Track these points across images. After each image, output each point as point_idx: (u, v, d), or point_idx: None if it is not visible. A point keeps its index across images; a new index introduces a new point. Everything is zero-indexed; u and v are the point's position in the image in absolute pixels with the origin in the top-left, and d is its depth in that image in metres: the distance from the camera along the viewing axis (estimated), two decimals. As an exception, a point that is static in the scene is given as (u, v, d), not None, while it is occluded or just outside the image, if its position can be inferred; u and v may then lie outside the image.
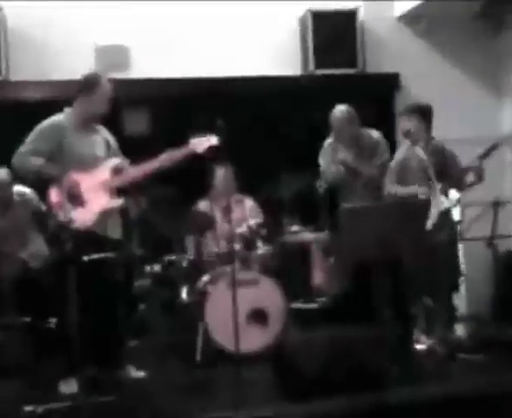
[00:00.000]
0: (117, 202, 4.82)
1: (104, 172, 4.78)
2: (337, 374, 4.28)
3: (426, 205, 5.21)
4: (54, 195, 4.60)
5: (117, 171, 4.84)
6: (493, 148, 5.38)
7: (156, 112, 6.96)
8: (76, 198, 4.60)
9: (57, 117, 4.80)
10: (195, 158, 4.96)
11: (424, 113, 5.62)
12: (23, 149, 4.68)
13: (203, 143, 4.92)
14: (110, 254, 4.61)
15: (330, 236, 6.36)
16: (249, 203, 6.18)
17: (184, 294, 5.78)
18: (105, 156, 4.87)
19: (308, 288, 6.37)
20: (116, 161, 4.86)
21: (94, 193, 4.68)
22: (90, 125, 4.86)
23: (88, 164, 4.73)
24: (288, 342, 4.75)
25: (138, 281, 5.90)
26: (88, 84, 4.83)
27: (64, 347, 4.50)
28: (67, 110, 4.84)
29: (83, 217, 4.56)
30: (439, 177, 5.45)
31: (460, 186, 5.56)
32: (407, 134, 5.64)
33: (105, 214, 4.72)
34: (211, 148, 4.92)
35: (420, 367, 5.01)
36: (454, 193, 5.76)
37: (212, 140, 4.92)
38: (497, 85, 7.78)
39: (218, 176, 6.08)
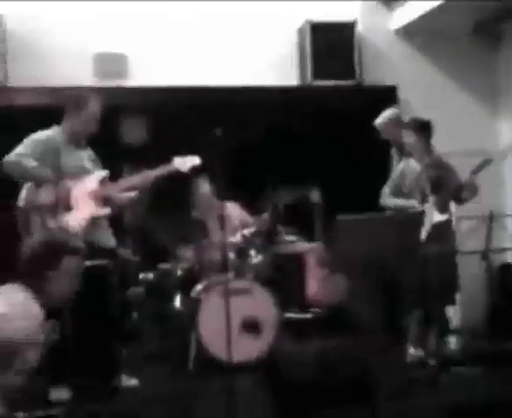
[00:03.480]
0: (105, 210, 4.87)
1: (92, 183, 4.84)
2: (329, 385, 4.28)
3: (419, 217, 5.23)
4: (44, 199, 4.63)
5: (104, 182, 4.90)
6: (485, 163, 5.41)
7: (154, 121, 6.96)
8: (66, 205, 4.64)
9: (47, 132, 4.87)
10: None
11: (421, 128, 5.64)
12: (16, 151, 4.72)
13: (186, 162, 5.06)
14: (103, 261, 4.63)
15: (325, 246, 6.39)
16: (239, 212, 6.20)
17: (177, 303, 5.78)
18: (92, 169, 4.93)
19: (302, 298, 6.38)
20: (102, 173, 4.93)
21: (82, 201, 4.74)
22: (78, 141, 4.92)
23: (76, 174, 4.79)
24: (281, 352, 4.75)
25: (131, 289, 5.91)
26: (77, 104, 4.87)
27: (55, 353, 4.49)
28: (55, 127, 4.89)
29: (71, 223, 4.60)
30: (437, 190, 5.47)
31: (458, 200, 5.58)
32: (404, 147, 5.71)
33: (94, 221, 4.76)
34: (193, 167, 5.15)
35: (412, 379, 5.01)
36: (453, 206, 5.79)
37: (194, 161, 5.11)
38: (494, 99, 7.80)
39: (200, 189, 6.12)
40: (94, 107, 4.92)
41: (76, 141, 4.92)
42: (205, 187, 6.11)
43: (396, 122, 6.04)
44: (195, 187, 6.17)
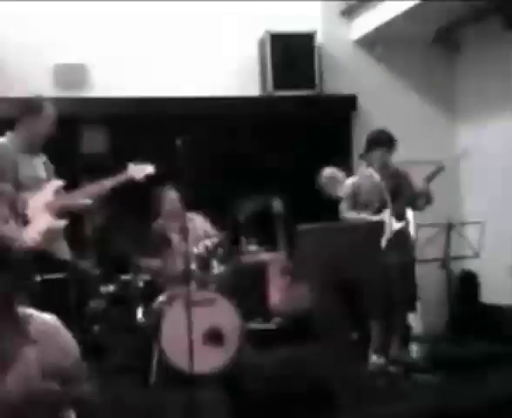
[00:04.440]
0: (61, 223, 4.82)
1: (47, 194, 4.79)
2: (293, 394, 4.29)
3: (380, 226, 5.28)
4: (1, 212, 4.56)
5: (59, 193, 4.86)
6: (438, 171, 5.50)
7: (114, 131, 6.93)
8: (22, 218, 4.58)
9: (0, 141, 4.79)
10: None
11: (390, 141, 5.71)
12: None
13: (141, 170, 5.05)
14: (62, 274, 4.58)
15: (287, 256, 6.41)
16: (202, 222, 6.18)
17: (139, 315, 5.74)
18: (47, 178, 4.88)
19: (265, 308, 6.39)
20: (58, 183, 4.88)
21: (38, 214, 4.67)
22: (32, 148, 4.86)
23: (31, 185, 4.73)
24: (244, 363, 4.74)
25: (92, 301, 5.85)
26: (31, 109, 4.81)
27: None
28: (9, 133, 4.83)
29: (27, 236, 4.54)
30: (394, 198, 5.54)
31: (414, 207, 5.66)
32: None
33: (50, 234, 4.71)
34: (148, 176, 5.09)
35: (373, 386, 5.05)
36: (410, 214, 5.86)
37: (149, 169, 5.10)
38: (453, 108, 7.92)
39: (167, 198, 6.10)
40: (49, 110, 4.86)
41: (31, 148, 4.83)
42: (171, 197, 6.06)
43: (334, 178, 6.35)
44: (161, 196, 6.13)
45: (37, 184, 4.78)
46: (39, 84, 6.50)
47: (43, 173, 4.88)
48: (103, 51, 6.91)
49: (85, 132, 6.88)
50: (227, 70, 7.22)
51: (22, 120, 4.83)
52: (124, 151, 6.52)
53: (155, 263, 5.93)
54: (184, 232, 5.14)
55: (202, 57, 7.18)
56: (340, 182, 6.23)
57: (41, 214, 4.70)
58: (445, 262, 5.61)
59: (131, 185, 5.02)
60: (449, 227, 5.54)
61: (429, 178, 5.50)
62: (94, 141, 6.88)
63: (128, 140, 6.75)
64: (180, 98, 7.04)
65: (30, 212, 4.65)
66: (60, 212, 4.82)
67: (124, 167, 5.01)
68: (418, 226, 5.64)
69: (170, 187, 6.02)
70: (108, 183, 4.93)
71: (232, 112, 7.12)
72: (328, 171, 6.39)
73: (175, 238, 5.90)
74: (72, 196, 4.94)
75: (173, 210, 5.98)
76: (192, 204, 5.49)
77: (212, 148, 6.98)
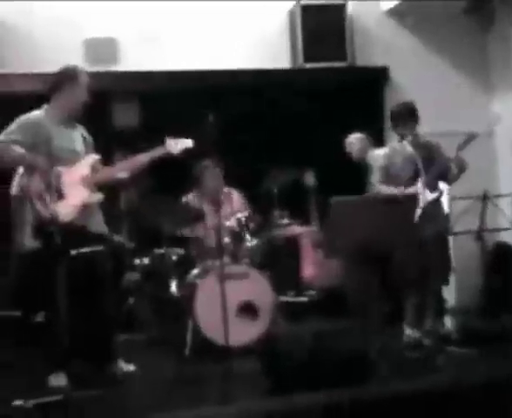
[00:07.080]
0: (97, 197, 4.82)
1: (83, 168, 4.79)
2: (326, 367, 4.29)
3: (413, 198, 5.24)
4: (34, 186, 4.57)
5: (96, 167, 4.85)
6: (470, 138, 5.41)
7: (145, 105, 6.95)
8: (57, 192, 4.59)
9: (36, 113, 4.78)
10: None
11: (414, 111, 5.64)
12: (3, 137, 4.60)
13: (178, 145, 4.98)
14: (98, 248, 4.60)
15: (320, 229, 6.39)
16: (236, 196, 6.17)
17: (173, 288, 5.77)
18: (84, 151, 4.88)
19: (298, 281, 6.39)
20: (95, 157, 4.88)
21: (74, 188, 4.68)
22: (70, 120, 4.85)
23: (68, 158, 4.73)
24: (278, 335, 4.75)
25: (127, 275, 5.89)
26: (66, 78, 4.81)
27: (53, 340, 4.49)
28: (45, 106, 4.82)
29: (63, 210, 4.56)
30: (427, 169, 5.49)
31: (446, 178, 5.59)
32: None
33: (85, 208, 4.72)
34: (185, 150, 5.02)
35: (408, 359, 5.03)
36: (442, 186, 5.80)
37: (187, 143, 5.02)
38: (486, 79, 7.82)
39: (207, 172, 6.07)
40: (85, 76, 4.86)
41: (69, 118, 4.83)
42: (212, 172, 6.03)
43: (363, 141, 6.40)
44: (202, 172, 6.11)
45: (73, 157, 4.78)
46: (70, 58, 6.53)
47: (80, 146, 4.89)
48: (133, 25, 6.92)
49: (117, 107, 6.91)
50: (258, 42, 7.19)
51: (61, 89, 4.81)
52: (155, 124, 6.54)
53: (189, 236, 5.95)
54: (216, 205, 5.15)
55: (232, 30, 7.17)
56: (366, 147, 6.28)
57: (77, 188, 4.72)
58: (480, 234, 5.55)
59: (168, 159, 5.00)
60: (484, 199, 5.48)
61: (461, 147, 5.41)
62: (126, 115, 6.90)
63: (159, 114, 6.76)
64: (211, 71, 7.02)
65: (66, 186, 4.67)
66: (97, 187, 4.84)
67: (158, 141, 4.99)
68: (453, 198, 5.59)
69: (210, 163, 5.99)
70: (145, 157, 4.92)
71: (263, 85, 7.09)
72: (353, 137, 6.39)
73: (208, 211, 5.89)
74: (109, 170, 4.95)
75: (214, 185, 5.96)
76: (229, 179, 5.47)
77: (243, 121, 6.96)
